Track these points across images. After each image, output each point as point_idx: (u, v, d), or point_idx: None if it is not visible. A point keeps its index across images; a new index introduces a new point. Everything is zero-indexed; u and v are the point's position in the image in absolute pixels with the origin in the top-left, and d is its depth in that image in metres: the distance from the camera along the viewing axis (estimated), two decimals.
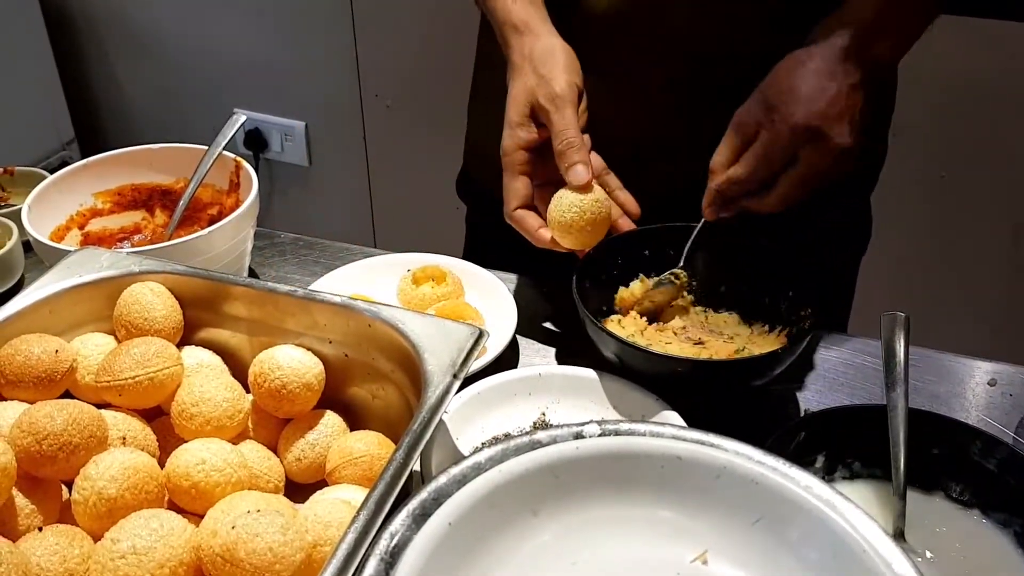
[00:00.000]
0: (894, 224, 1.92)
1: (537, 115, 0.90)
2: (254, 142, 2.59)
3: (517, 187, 0.92)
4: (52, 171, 1.06)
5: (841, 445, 0.76)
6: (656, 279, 0.95)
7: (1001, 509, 0.72)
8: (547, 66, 0.89)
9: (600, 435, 0.50)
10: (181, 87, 2.62)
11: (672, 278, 0.95)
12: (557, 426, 0.54)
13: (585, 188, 0.87)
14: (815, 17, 0.88)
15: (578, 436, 0.50)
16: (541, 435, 0.50)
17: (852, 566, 0.46)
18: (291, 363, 0.77)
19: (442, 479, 0.50)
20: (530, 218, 0.91)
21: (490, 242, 1.26)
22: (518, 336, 0.98)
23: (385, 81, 2.41)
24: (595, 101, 0.96)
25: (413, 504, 0.49)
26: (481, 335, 0.76)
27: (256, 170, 2.73)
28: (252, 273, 1.08)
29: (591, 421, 0.50)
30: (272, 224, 2.74)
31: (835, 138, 0.82)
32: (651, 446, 0.49)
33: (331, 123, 2.53)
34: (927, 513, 0.74)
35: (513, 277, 1.08)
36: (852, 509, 0.47)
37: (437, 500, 0.48)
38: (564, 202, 0.88)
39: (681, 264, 0.94)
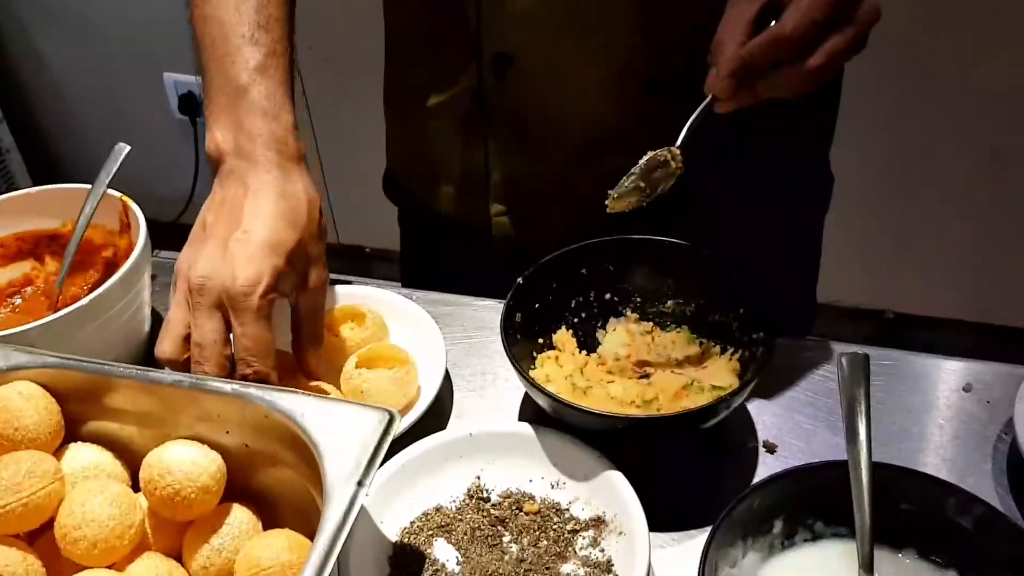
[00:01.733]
0: (859, 163, 1.84)
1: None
2: (189, 106, 2.46)
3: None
4: None
5: (800, 507, 0.68)
6: (642, 163, 0.77)
7: (980, 571, 0.65)
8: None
9: None
10: (108, 54, 2.47)
11: (665, 158, 0.77)
12: None
13: None
14: None
15: None
16: None
17: None
18: (183, 466, 0.69)
19: None
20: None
21: (423, 248, 1.17)
22: (449, 372, 0.90)
23: (318, 32, 2.26)
24: (531, 95, 0.85)
25: None
26: (392, 421, 0.67)
27: (195, 136, 2.60)
28: (156, 318, 0.99)
29: None
30: None
31: None
32: None
33: None
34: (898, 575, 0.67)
35: (448, 298, 0.99)
36: None
37: None
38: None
39: (679, 144, 0.77)
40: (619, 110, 0.90)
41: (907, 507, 0.67)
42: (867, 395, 0.67)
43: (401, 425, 0.71)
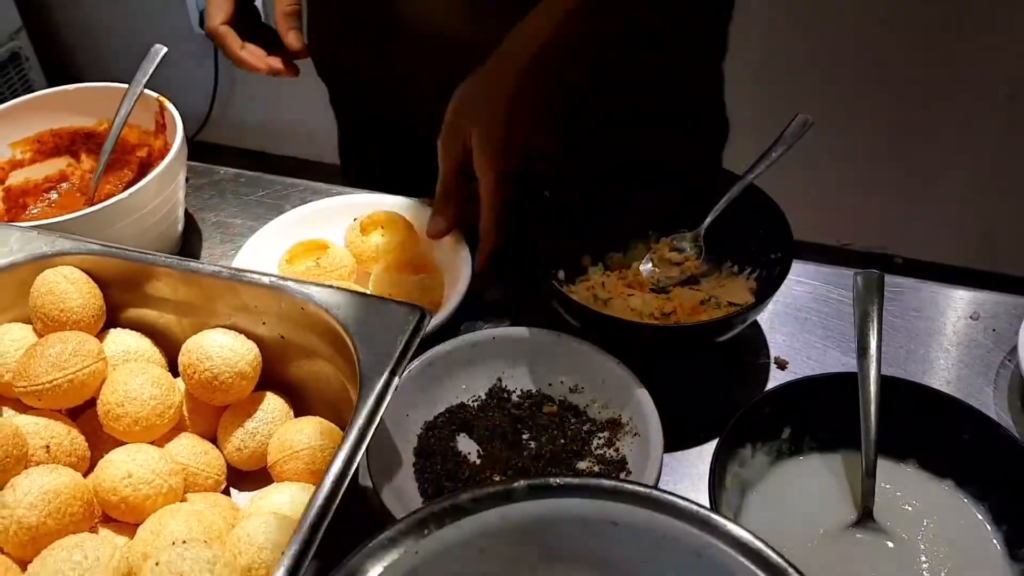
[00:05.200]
0: (871, 109, 1.84)
1: None
2: None
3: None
4: (3, 64, 0.97)
5: (808, 416, 0.71)
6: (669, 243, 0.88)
7: (976, 482, 0.68)
8: None
9: (530, 494, 0.45)
10: None
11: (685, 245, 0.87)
12: (485, 484, 0.48)
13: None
14: None
15: (507, 495, 0.45)
16: (464, 498, 0.45)
17: None
18: (221, 352, 0.72)
19: (355, 559, 0.45)
20: (231, 36, 0.94)
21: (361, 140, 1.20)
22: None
23: None
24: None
25: None
26: (423, 317, 0.70)
27: (215, 53, 2.57)
28: (189, 219, 1.01)
29: (518, 481, 0.45)
30: (240, 107, 2.66)
31: None
32: (583, 510, 0.44)
33: None
34: (898, 484, 0.70)
35: None
36: None
37: None
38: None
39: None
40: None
41: (911, 420, 0.70)
42: (879, 311, 0.70)
43: (427, 327, 0.74)
